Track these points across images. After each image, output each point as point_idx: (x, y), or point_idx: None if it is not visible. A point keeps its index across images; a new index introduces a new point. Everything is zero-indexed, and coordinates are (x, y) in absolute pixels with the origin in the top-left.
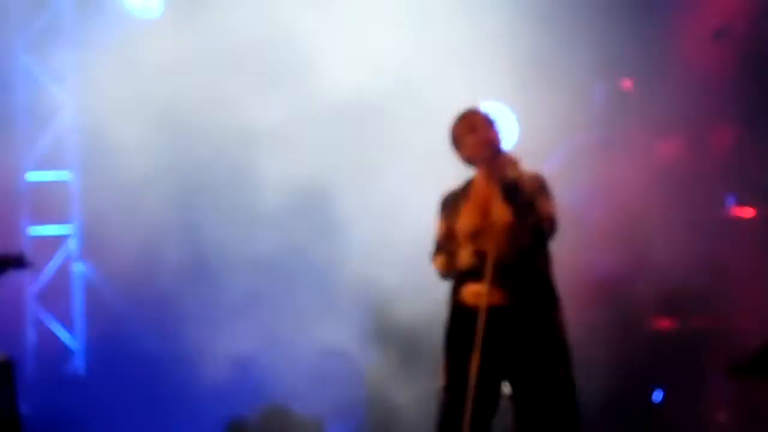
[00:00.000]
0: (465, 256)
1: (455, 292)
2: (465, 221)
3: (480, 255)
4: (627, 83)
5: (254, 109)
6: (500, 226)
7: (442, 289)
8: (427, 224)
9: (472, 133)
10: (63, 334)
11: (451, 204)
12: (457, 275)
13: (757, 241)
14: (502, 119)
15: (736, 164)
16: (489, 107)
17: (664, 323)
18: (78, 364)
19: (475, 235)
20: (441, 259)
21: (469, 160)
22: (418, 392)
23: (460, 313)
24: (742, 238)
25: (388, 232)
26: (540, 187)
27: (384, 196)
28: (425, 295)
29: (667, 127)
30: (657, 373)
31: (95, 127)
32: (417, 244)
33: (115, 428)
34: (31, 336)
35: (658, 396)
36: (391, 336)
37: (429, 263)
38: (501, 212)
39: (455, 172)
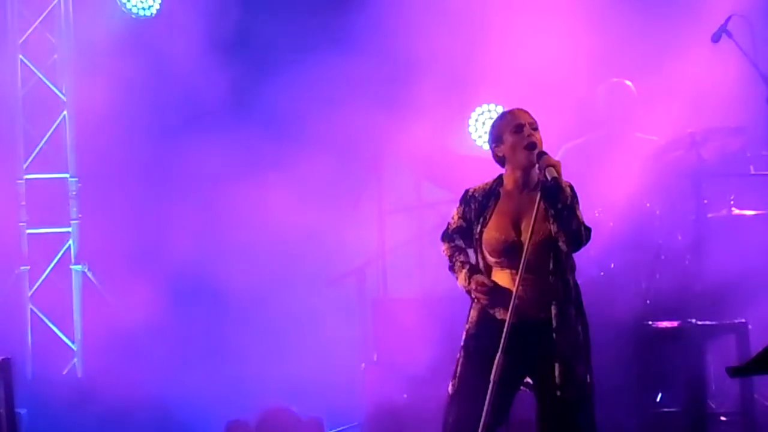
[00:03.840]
0: (462, 279)
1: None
2: (493, 234)
3: (470, 293)
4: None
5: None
6: (531, 243)
7: None
8: None
9: (517, 134)
10: (61, 335)
11: (477, 203)
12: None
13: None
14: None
15: (738, 163)
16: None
17: (668, 323)
18: (76, 364)
19: (505, 252)
20: (445, 251)
21: (504, 161)
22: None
23: (488, 321)
24: (746, 237)
25: None
26: (573, 195)
27: None
28: None
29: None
30: (660, 373)
31: (94, 127)
32: None
33: (113, 430)
34: (29, 336)
35: (659, 396)
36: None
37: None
38: (536, 227)
39: None
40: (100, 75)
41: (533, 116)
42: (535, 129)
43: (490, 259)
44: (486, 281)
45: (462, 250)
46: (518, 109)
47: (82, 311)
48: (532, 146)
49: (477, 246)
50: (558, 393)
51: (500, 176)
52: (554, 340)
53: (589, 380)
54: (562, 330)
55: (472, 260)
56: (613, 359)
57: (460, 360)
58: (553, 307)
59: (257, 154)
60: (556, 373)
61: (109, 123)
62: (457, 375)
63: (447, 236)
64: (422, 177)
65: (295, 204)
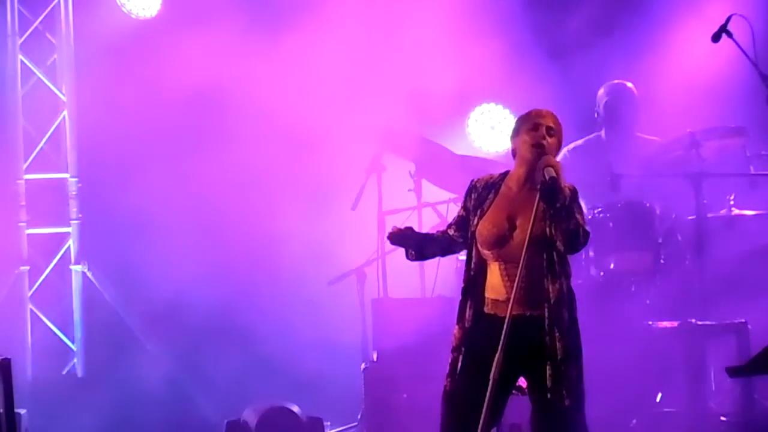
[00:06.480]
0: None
1: (475, 297)
2: (487, 227)
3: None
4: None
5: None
6: (522, 239)
7: None
8: None
9: (530, 132)
10: (61, 335)
11: (477, 194)
12: (476, 283)
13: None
14: (503, 122)
15: (738, 163)
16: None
17: (668, 323)
18: (76, 364)
19: (495, 245)
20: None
21: (514, 153)
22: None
23: (480, 318)
24: (746, 237)
25: None
26: (574, 197)
27: None
28: None
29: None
30: (660, 373)
31: (94, 127)
32: None
33: (113, 430)
34: (29, 336)
35: (659, 396)
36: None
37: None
38: (536, 225)
39: None
40: (100, 75)
41: (557, 122)
42: (552, 135)
43: (483, 252)
44: (399, 227)
45: (443, 233)
46: (545, 110)
47: (82, 311)
48: (538, 147)
49: (472, 238)
50: (548, 395)
51: (507, 171)
52: (546, 342)
53: (580, 386)
54: (555, 333)
55: (470, 256)
56: (613, 359)
57: (455, 359)
58: (546, 309)
59: (257, 154)
60: (547, 375)
61: (109, 123)
62: (452, 374)
63: (448, 225)
64: (422, 177)
65: (295, 204)
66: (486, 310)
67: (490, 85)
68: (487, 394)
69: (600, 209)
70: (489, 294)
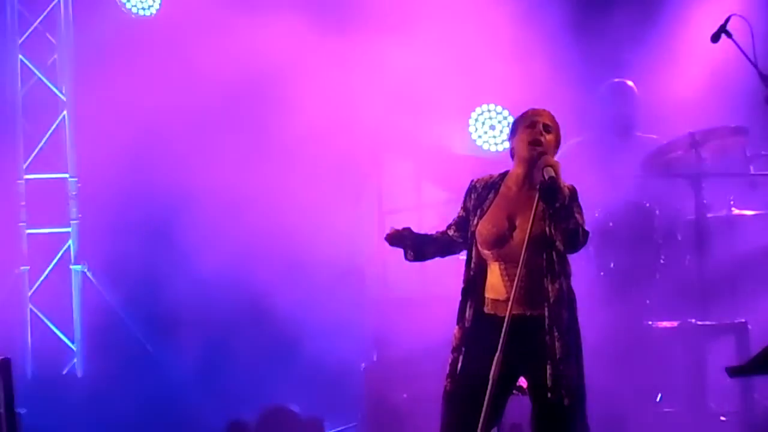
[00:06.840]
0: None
1: (475, 297)
2: (487, 226)
3: None
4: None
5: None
6: (522, 238)
7: None
8: None
9: (527, 129)
10: (61, 335)
11: (477, 194)
12: (476, 283)
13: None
14: (504, 122)
15: (738, 163)
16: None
17: (668, 323)
18: (76, 364)
19: (495, 245)
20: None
21: (513, 153)
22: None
23: (480, 318)
24: (746, 237)
25: None
26: (573, 197)
27: None
28: None
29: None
30: (660, 373)
31: (94, 127)
32: None
33: (113, 430)
34: (29, 336)
35: (659, 396)
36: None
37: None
38: (535, 225)
39: None
40: (100, 75)
41: (553, 120)
42: (549, 131)
43: (483, 252)
44: (397, 227)
45: (442, 234)
46: (541, 109)
47: (82, 311)
48: (536, 143)
49: (472, 238)
50: (548, 395)
51: (506, 172)
52: (546, 341)
53: (580, 385)
54: (554, 332)
55: (470, 256)
56: (613, 359)
57: (455, 359)
58: (546, 308)
59: (257, 154)
60: (547, 374)
61: (109, 123)
62: (453, 374)
63: (447, 226)
64: (422, 177)
65: (295, 204)
66: (486, 310)
67: (490, 85)
68: (487, 394)
69: (600, 209)
70: (489, 294)
